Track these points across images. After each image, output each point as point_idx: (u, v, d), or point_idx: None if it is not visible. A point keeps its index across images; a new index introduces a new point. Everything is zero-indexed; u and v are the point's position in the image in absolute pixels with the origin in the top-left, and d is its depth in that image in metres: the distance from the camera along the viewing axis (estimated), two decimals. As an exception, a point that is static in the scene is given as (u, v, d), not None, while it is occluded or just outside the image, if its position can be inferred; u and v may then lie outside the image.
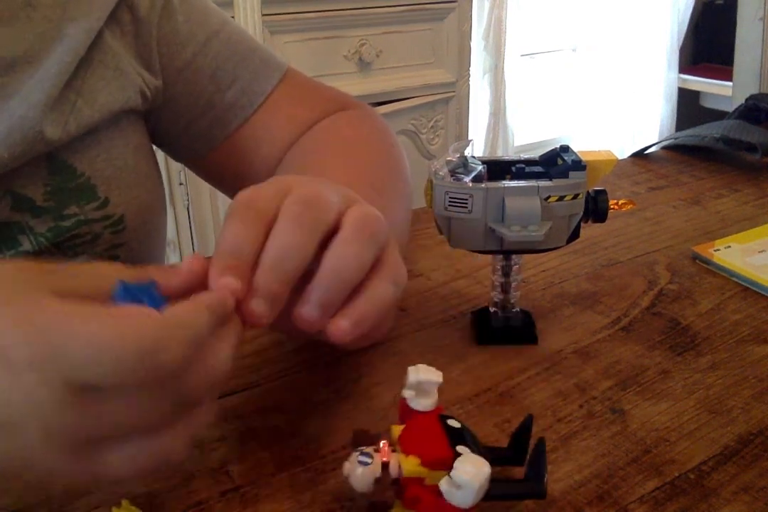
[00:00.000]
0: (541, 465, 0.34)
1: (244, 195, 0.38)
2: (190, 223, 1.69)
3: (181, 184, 1.66)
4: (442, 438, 0.33)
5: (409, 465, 0.32)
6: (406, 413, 0.36)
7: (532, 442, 0.36)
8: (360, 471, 0.33)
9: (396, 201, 0.56)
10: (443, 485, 0.31)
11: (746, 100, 0.93)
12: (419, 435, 0.34)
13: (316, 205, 0.37)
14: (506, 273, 0.49)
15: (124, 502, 0.36)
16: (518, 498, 0.35)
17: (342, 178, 0.54)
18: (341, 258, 0.36)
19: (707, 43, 2.86)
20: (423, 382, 0.36)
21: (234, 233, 0.36)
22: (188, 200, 1.68)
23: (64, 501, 0.37)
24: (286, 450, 0.41)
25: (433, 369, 0.36)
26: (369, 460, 0.33)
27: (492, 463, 0.37)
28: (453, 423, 0.35)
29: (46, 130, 0.52)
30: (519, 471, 0.36)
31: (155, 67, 0.61)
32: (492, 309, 0.51)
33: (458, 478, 0.30)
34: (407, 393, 0.36)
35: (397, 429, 0.35)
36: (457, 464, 0.31)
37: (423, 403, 0.36)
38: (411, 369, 0.36)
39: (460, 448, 0.33)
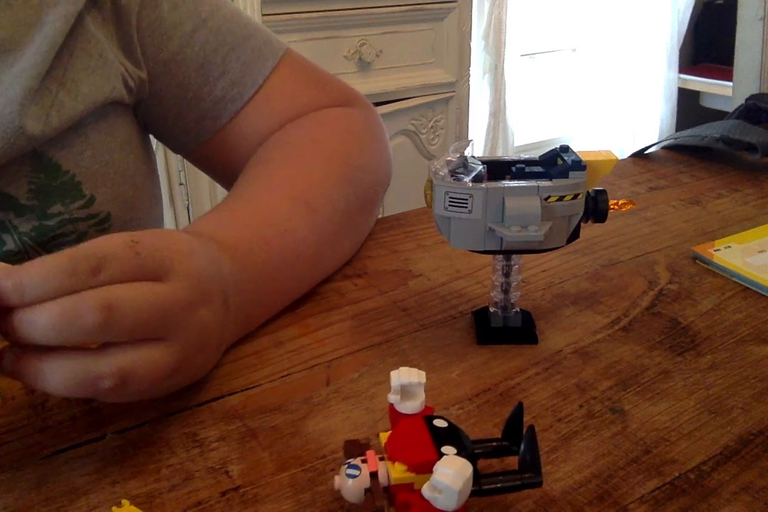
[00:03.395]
0: (533, 452, 0.34)
1: (109, 251, 0.37)
2: (190, 222, 1.69)
3: (181, 184, 1.66)
4: (426, 441, 0.33)
5: (396, 472, 0.32)
6: (395, 417, 0.36)
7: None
8: (349, 483, 0.33)
9: (331, 216, 0.56)
10: (425, 491, 0.31)
11: (746, 100, 0.93)
12: (404, 440, 0.34)
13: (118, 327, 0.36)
14: (506, 273, 0.49)
15: (124, 502, 0.36)
16: (515, 490, 0.35)
17: (272, 192, 0.55)
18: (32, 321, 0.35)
19: (707, 43, 2.86)
20: (406, 385, 0.36)
21: (43, 275, 0.35)
22: (188, 200, 1.68)
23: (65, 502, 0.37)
24: (286, 450, 0.41)
25: (415, 370, 0.36)
26: (357, 472, 0.33)
27: (487, 456, 0.37)
28: (439, 422, 0.35)
29: (26, 124, 0.51)
30: (516, 461, 0.36)
31: (137, 57, 0.59)
32: (492, 309, 0.51)
33: (438, 483, 0.30)
34: (392, 398, 0.36)
35: (385, 436, 0.35)
36: (436, 468, 0.30)
37: (409, 406, 0.36)
38: (393, 374, 0.36)
39: (445, 449, 0.33)
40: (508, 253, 0.48)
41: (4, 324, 0.35)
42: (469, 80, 2.05)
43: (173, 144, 0.67)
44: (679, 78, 2.81)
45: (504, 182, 0.45)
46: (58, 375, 0.36)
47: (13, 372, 0.36)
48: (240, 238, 0.50)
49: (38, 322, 0.35)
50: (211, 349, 0.45)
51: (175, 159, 1.60)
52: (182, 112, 0.63)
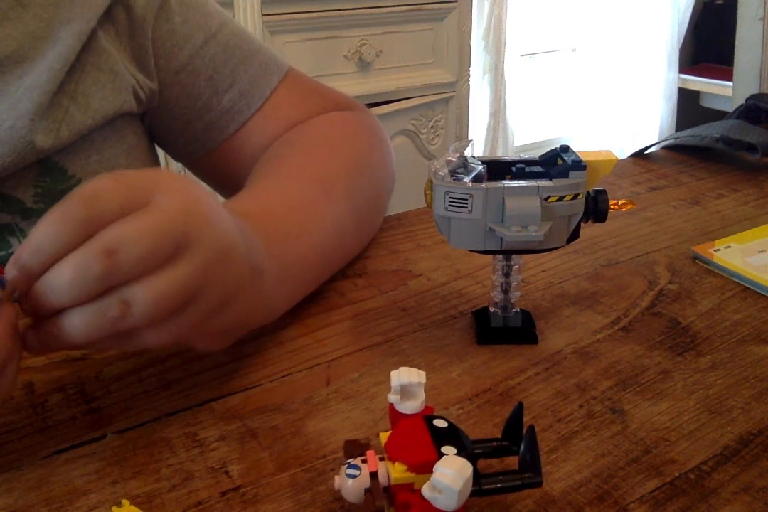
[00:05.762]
0: (533, 452, 0.34)
1: (92, 189, 0.37)
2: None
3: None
4: (426, 441, 0.33)
5: (396, 472, 0.32)
6: (395, 417, 0.36)
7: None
8: (349, 483, 0.33)
9: (348, 201, 0.56)
10: (425, 491, 0.31)
11: (746, 100, 0.93)
12: (404, 440, 0.34)
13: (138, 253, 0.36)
14: (506, 273, 0.49)
15: (124, 502, 0.36)
16: (515, 490, 0.35)
17: (290, 177, 0.56)
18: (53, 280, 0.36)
19: (707, 43, 2.86)
20: (406, 385, 0.36)
21: (45, 233, 0.35)
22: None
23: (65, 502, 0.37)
24: (286, 450, 0.41)
25: (415, 370, 0.36)
26: (357, 472, 0.33)
27: (487, 456, 0.37)
28: (439, 423, 0.35)
29: (36, 138, 0.51)
30: (516, 461, 0.36)
31: (150, 68, 0.60)
32: (492, 309, 0.51)
33: (438, 483, 0.30)
34: (392, 398, 0.36)
35: (385, 436, 0.35)
36: (436, 468, 0.30)
37: (409, 406, 0.36)
38: (393, 374, 0.36)
39: (445, 449, 0.33)
40: (508, 253, 0.49)
41: (33, 300, 0.36)
42: (469, 80, 2.05)
43: (178, 152, 0.68)
44: (679, 78, 2.81)
45: (504, 182, 0.45)
46: (77, 321, 0.36)
47: (41, 344, 0.37)
48: (266, 214, 0.49)
49: (59, 284, 0.35)
50: (239, 263, 0.42)
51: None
52: (190, 121, 0.64)
